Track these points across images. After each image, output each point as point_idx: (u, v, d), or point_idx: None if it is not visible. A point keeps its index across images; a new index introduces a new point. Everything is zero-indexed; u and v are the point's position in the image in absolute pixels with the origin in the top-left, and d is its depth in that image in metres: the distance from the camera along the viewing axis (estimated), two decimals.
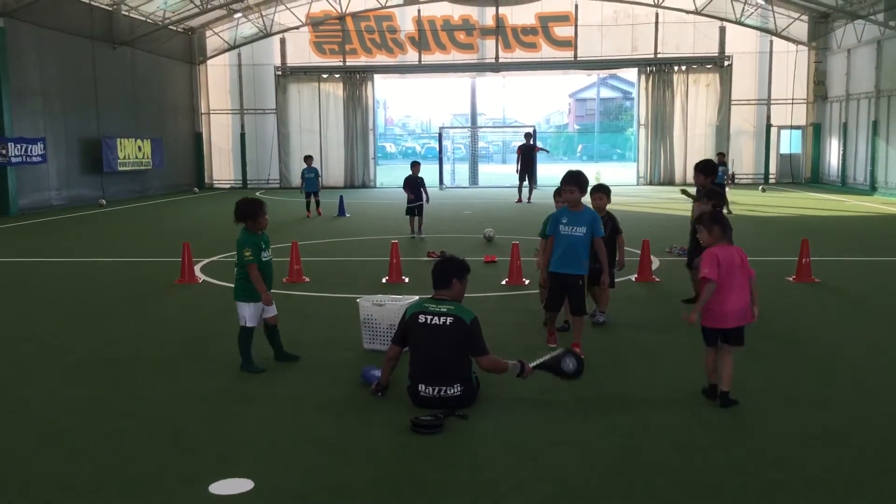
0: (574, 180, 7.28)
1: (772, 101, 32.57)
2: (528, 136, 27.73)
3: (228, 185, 34.47)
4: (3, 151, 20.97)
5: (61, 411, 5.94)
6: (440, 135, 36.60)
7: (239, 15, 31.77)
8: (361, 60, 33.44)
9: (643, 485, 4.55)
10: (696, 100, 32.75)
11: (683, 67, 32.46)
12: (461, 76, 35.74)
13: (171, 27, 30.41)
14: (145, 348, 7.79)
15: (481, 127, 43.70)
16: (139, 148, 28.35)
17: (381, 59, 33.45)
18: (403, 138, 77.00)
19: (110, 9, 27.08)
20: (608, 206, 8.66)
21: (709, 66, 32.42)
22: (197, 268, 12.20)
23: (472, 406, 5.76)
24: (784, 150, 33.31)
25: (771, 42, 32.01)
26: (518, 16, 32.63)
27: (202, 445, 5.20)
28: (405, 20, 33.07)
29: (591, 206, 7.69)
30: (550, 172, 30.11)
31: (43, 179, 23.73)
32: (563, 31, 32.63)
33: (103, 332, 8.53)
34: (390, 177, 37.38)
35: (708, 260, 5.72)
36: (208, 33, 33.37)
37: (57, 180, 24.49)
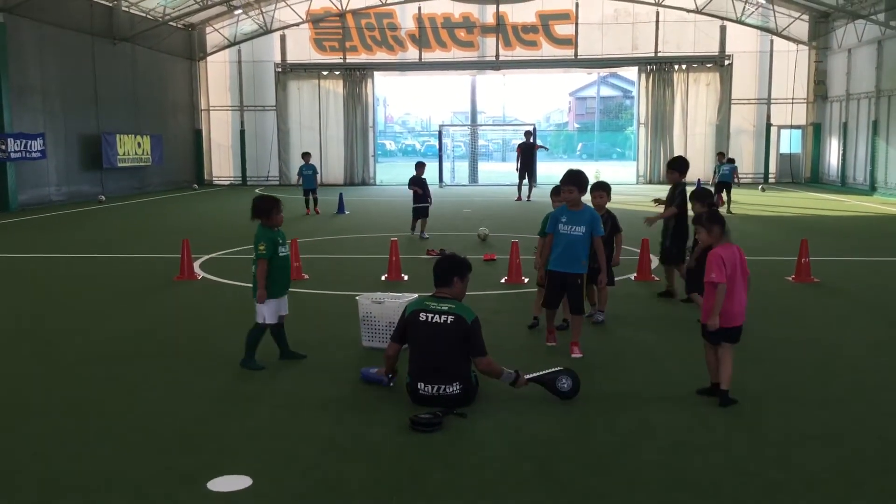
0: (573, 180, 7.28)
1: (772, 101, 32.56)
2: (528, 134, 27.72)
3: (228, 182, 34.44)
4: (3, 147, 20.95)
5: (59, 408, 5.94)
6: (440, 132, 36.59)
7: (239, 11, 31.73)
8: (362, 57, 33.42)
9: (643, 484, 4.55)
10: (696, 99, 32.75)
11: (684, 66, 32.45)
12: (461, 74, 35.73)
13: (171, 23, 30.38)
14: (144, 345, 7.79)
15: (481, 125, 43.73)
16: (139, 144, 28.34)
17: (381, 56, 33.43)
18: (403, 136, 76.95)
19: (110, 5, 27.05)
20: (608, 205, 8.66)
21: (709, 66, 32.41)
22: (196, 264, 12.20)
23: (471, 405, 5.76)
24: (784, 149, 33.31)
25: (771, 41, 32.01)
26: (518, 14, 32.61)
27: (201, 443, 5.20)
28: (406, 17, 33.05)
29: (590, 204, 7.69)
30: (550, 171, 30.10)
31: (42, 175, 23.71)
32: (563, 30, 32.62)
33: (102, 329, 8.52)
34: (390, 174, 37.39)
35: (716, 263, 5.74)
36: (208, 30, 33.34)
37: (56, 176, 24.48)
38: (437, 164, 33.66)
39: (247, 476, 4.62)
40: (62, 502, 4.39)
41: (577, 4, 32.17)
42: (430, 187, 16.21)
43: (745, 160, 33.10)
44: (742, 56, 32.20)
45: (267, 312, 6.85)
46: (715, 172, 23.03)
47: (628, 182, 32.83)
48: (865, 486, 4.55)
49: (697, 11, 31.29)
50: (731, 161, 22.69)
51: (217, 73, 34.00)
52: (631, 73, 35.76)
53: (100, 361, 7.20)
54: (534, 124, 36.01)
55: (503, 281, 10.90)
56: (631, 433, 5.34)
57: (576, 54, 32.70)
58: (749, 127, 33.04)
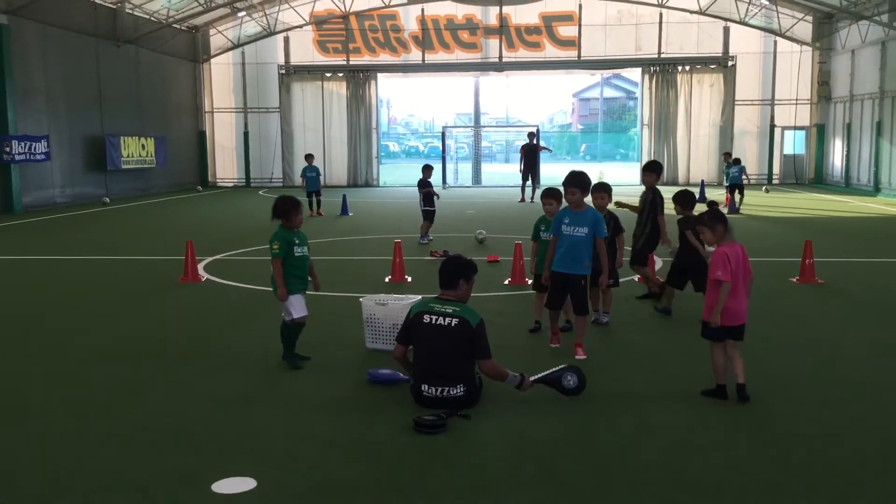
0: (576, 181, 7.30)
1: (775, 102, 32.54)
2: (531, 135, 27.73)
3: (232, 184, 34.49)
4: (7, 149, 21.00)
5: (62, 408, 5.96)
6: (443, 134, 36.63)
7: (243, 13, 31.79)
8: (365, 59, 33.45)
9: (645, 485, 4.56)
10: (699, 100, 32.71)
11: (687, 67, 32.43)
12: (465, 75, 35.76)
13: (174, 25, 30.44)
14: (147, 346, 7.81)
15: (484, 126, 43.76)
16: (143, 146, 28.39)
17: (384, 58, 33.45)
18: (407, 137, 76.94)
19: (114, 7, 27.11)
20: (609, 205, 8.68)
21: (712, 67, 32.38)
22: (200, 266, 12.23)
23: (474, 406, 5.77)
24: (788, 150, 33.26)
25: (775, 42, 31.97)
26: (522, 15, 32.62)
27: (205, 444, 5.22)
28: (409, 19, 33.07)
29: (590, 205, 7.71)
30: (554, 172, 30.09)
31: (47, 177, 23.75)
32: (566, 31, 32.61)
33: (105, 330, 8.55)
34: (393, 176, 37.41)
35: (721, 262, 5.82)
36: (212, 32, 33.40)
37: (61, 178, 24.53)
38: (441, 165, 33.68)
39: (251, 478, 4.63)
40: (65, 501, 4.41)
41: (580, 6, 32.17)
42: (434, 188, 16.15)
43: (749, 161, 32.98)
44: (745, 57, 32.17)
45: (294, 308, 6.88)
46: (726, 175, 22.88)
47: (632, 183, 32.77)
48: (866, 486, 4.56)
49: (701, 12, 31.27)
50: (738, 162, 22.63)
51: (221, 75, 34.05)
52: (634, 74, 35.74)
53: (103, 362, 7.23)
54: (537, 126, 35.96)
55: (507, 283, 10.91)
56: (633, 434, 5.36)
57: (579, 55, 32.70)
58: (753, 128, 33.00)
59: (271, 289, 7.00)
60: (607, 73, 49.31)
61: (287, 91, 33.70)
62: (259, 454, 5.03)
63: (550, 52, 32.87)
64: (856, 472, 4.74)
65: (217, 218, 21.37)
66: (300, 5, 32.24)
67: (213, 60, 33.87)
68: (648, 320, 8.85)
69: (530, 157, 26.19)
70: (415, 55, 33.35)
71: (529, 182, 25.68)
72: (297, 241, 6.90)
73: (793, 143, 33.19)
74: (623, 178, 33.52)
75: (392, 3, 32.48)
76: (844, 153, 30.23)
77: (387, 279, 11.20)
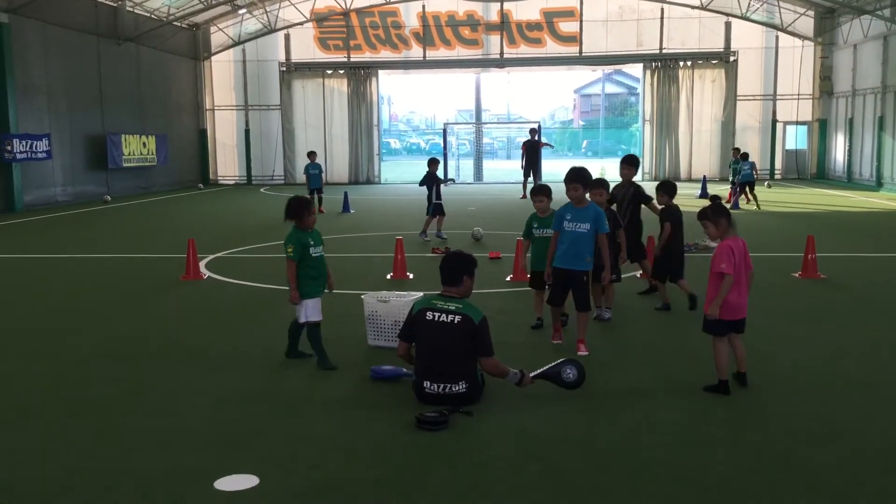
0: (578, 177, 7.32)
1: (777, 97, 32.49)
2: (532, 132, 27.69)
3: (233, 182, 34.48)
4: (9, 148, 21.00)
5: (65, 408, 5.96)
6: (444, 131, 36.61)
7: (243, 11, 31.75)
8: (366, 56, 33.42)
9: (647, 482, 4.54)
10: (701, 95, 32.66)
11: (689, 63, 32.38)
12: (466, 72, 35.71)
13: (175, 23, 30.42)
14: (150, 345, 7.81)
15: (486, 123, 43.71)
16: (144, 144, 28.39)
17: (385, 54, 33.42)
18: (408, 134, 76.98)
19: (115, 5, 27.09)
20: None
21: (714, 62, 32.33)
22: (202, 264, 12.22)
23: (476, 403, 5.76)
24: (790, 145, 33.23)
25: (777, 37, 31.92)
26: (523, 11, 32.58)
27: (207, 442, 5.21)
28: (410, 16, 33.04)
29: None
30: (555, 168, 30.07)
31: (48, 176, 23.76)
32: (567, 27, 32.56)
33: (108, 329, 8.54)
34: (395, 173, 37.39)
35: (726, 255, 5.88)
36: (213, 29, 33.37)
37: (62, 176, 24.54)
38: (443, 162, 33.64)
39: (253, 475, 4.62)
40: (67, 500, 4.40)
41: (581, 1, 32.13)
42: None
43: (751, 156, 32.97)
44: (747, 52, 32.12)
45: (309, 310, 6.85)
46: (733, 170, 22.55)
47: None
48: (868, 483, 4.54)
49: (702, 8, 31.20)
50: (746, 157, 22.39)
51: (221, 72, 34.03)
52: (636, 69, 35.69)
53: (104, 361, 7.22)
54: (539, 122, 36.00)
55: (508, 279, 10.90)
56: (635, 430, 5.34)
57: (580, 51, 32.66)
58: (755, 123, 32.95)
59: (287, 289, 6.98)
60: (609, 68, 49.28)
61: (288, 88, 33.68)
62: (261, 452, 5.01)
63: (551, 48, 32.83)
64: (858, 469, 4.72)
65: (218, 216, 21.36)
66: (301, 2, 32.22)
67: (213, 58, 33.86)
68: (650, 316, 8.84)
69: (532, 153, 26.15)
70: (416, 52, 33.32)
71: (531, 178, 25.64)
72: (311, 242, 6.87)
73: (795, 139, 33.15)
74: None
75: (393, 0, 32.43)
76: (846, 148, 30.19)
77: (388, 276, 11.19)
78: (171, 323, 8.81)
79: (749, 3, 30.72)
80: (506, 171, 37.95)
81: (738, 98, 32.32)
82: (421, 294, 7.06)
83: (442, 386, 5.69)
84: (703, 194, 24.08)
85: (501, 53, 32.92)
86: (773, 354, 7.14)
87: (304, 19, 32.81)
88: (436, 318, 5.79)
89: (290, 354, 7.13)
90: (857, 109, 29.38)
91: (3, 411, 5.90)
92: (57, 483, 4.61)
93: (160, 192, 29.57)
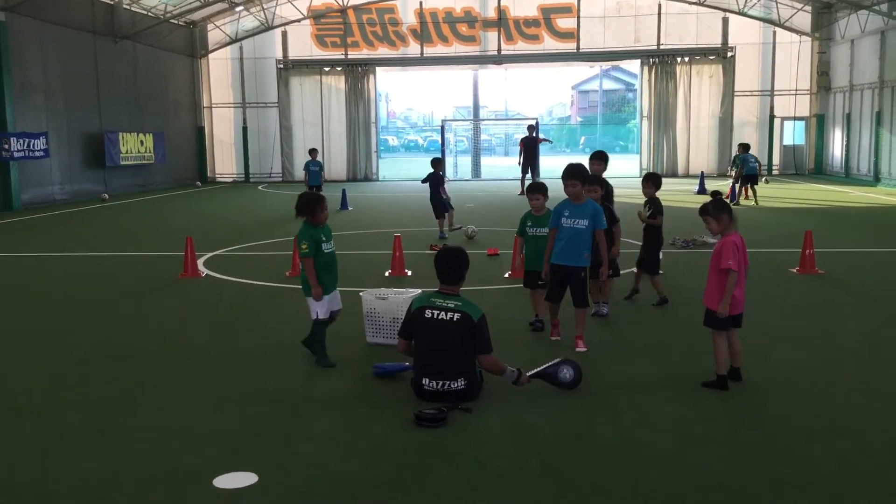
0: (576, 174, 7.33)
1: (775, 92, 32.47)
2: (531, 128, 27.69)
3: (231, 179, 34.45)
4: (6, 146, 20.97)
5: (64, 407, 5.96)
6: (442, 127, 36.58)
7: (240, 8, 31.71)
8: (363, 53, 33.37)
9: (647, 479, 4.55)
10: (699, 91, 32.65)
11: (686, 59, 32.36)
12: (463, 69, 35.67)
13: (172, 21, 30.37)
14: (149, 343, 7.80)
15: (484, 119, 43.67)
16: (141, 142, 28.35)
17: (383, 51, 33.37)
18: (406, 131, 76.96)
19: (112, 2, 27.04)
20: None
21: (712, 58, 32.31)
22: (200, 262, 12.22)
23: (475, 400, 5.76)
24: (787, 141, 33.22)
25: (774, 33, 31.90)
26: (520, 7, 32.54)
27: (206, 440, 5.21)
28: (407, 12, 32.99)
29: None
30: (553, 165, 30.05)
31: (46, 174, 23.74)
32: (565, 23, 32.54)
33: (106, 327, 8.54)
34: (393, 170, 37.35)
35: (731, 251, 5.93)
36: (210, 27, 33.31)
37: (60, 175, 24.51)
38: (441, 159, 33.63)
39: (252, 473, 4.63)
40: (67, 499, 4.40)
41: None
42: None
43: (752, 153, 33.03)
44: (745, 48, 32.10)
45: (319, 308, 6.85)
46: (736, 164, 22.09)
47: (632, 175, 32.75)
48: (870, 479, 4.54)
49: (699, 3, 31.18)
50: (748, 148, 22.23)
51: (219, 70, 33.98)
52: (633, 66, 35.69)
53: (103, 359, 7.22)
54: (536, 118, 36.01)
55: (507, 276, 10.90)
56: (634, 427, 5.34)
57: (578, 48, 32.63)
58: (752, 119, 32.94)
59: (300, 287, 6.97)
60: (606, 65, 49.35)
61: (285, 86, 33.63)
62: (260, 450, 5.02)
63: (549, 44, 32.80)
64: (860, 465, 4.73)
65: (216, 213, 21.35)
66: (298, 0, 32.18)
67: (210, 56, 33.81)
68: (648, 311, 8.84)
69: (530, 149, 26.14)
70: (413, 49, 33.28)
71: (529, 175, 25.64)
72: (323, 238, 6.88)
73: (792, 134, 33.15)
74: (623, 170, 33.52)
75: None
76: (844, 143, 30.20)
77: (387, 273, 11.20)
78: (170, 321, 8.81)
79: None
80: (504, 167, 37.93)
81: (735, 94, 32.31)
82: (419, 291, 7.07)
83: (441, 383, 5.70)
84: (701, 190, 24.10)
85: (499, 50, 32.89)
86: (772, 351, 7.15)
87: (302, 16, 32.76)
88: (435, 316, 5.79)
89: (305, 342, 7.10)
90: (854, 104, 29.39)
91: (3, 411, 5.90)
92: (57, 482, 4.61)
93: (158, 190, 29.54)
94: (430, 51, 33.21)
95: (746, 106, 32.72)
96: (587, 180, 7.58)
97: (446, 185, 15.67)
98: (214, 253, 13.46)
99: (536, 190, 8.19)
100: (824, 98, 31.95)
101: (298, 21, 32.91)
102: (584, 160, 8.79)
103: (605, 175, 9.16)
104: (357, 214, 20.19)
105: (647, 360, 6.92)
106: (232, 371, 6.77)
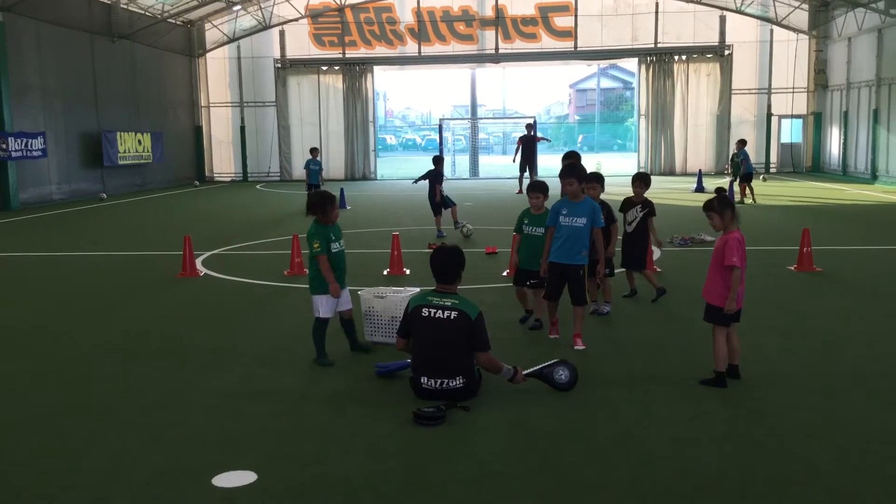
0: (573, 172, 7.35)
1: (772, 91, 32.48)
2: (529, 126, 27.68)
3: (229, 179, 34.44)
4: (4, 146, 20.95)
5: (64, 405, 5.96)
6: (440, 126, 36.57)
7: (238, 7, 31.68)
8: (361, 52, 33.36)
9: (646, 477, 4.56)
10: (696, 89, 32.67)
11: (684, 57, 32.36)
12: (461, 67, 35.64)
13: (169, 20, 30.34)
14: (147, 342, 7.81)
15: (481, 118, 43.63)
16: (139, 141, 28.33)
17: (380, 50, 33.36)
18: (404, 130, 76.92)
19: (109, 2, 27.02)
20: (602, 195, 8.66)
21: (709, 56, 32.33)
22: (198, 261, 12.22)
23: (474, 398, 5.78)
24: (785, 139, 33.24)
25: (771, 31, 31.91)
26: (518, 6, 32.54)
27: (205, 439, 5.22)
28: (404, 11, 32.98)
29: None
30: (552, 164, 30.04)
31: (43, 174, 23.73)
32: (562, 22, 32.54)
33: (105, 327, 8.54)
34: (391, 169, 37.31)
35: (736, 248, 5.98)
36: (207, 26, 33.29)
37: (57, 174, 24.49)
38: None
39: (251, 471, 4.64)
40: (67, 498, 4.41)
41: None
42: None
43: (748, 150, 33.02)
44: (742, 46, 32.12)
45: (322, 307, 6.86)
46: (735, 162, 21.82)
47: (630, 174, 32.72)
48: (868, 475, 4.56)
49: (697, 2, 31.20)
50: (744, 143, 22.17)
51: (216, 69, 33.95)
52: (631, 64, 35.69)
53: (102, 359, 7.22)
54: (534, 117, 36.02)
55: (505, 274, 10.91)
56: (634, 425, 5.36)
57: (575, 46, 32.63)
58: (750, 117, 32.97)
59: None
60: (604, 63, 49.26)
61: (283, 85, 33.61)
62: (259, 448, 5.03)
63: (547, 42, 32.81)
64: (858, 462, 4.74)
65: (215, 213, 21.34)
66: None
67: (208, 55, 33.78)
68: (646, 309, 8.85)
69: (528, 148, 26.15)
70: (411, 47, 33.27)
71: (527, 174, 25.64)
72: (333, 237, 6.90)
73: (790, 132, 33.17)
74: (621, 169, 33.55)
75: None
76: (841, 141, 30.23)
77: (385, 272, 11.20)
78: (169, 320, 8.81)
79: None
80: (502, 166, 37.90)
81: (733, 92, 32.34)
82: (418, 289, 7.08)
83: (439, 381, 5.71)
84: (699, 188, 24.10)
85: (497, 49, 32.88)
86: (770, 348, 7.16)
87: (299, 15, 32.74)
88: (431, 315, 5.80)
89: (353, 349, 7.14)
90: (851, 102, 29.41)
91: (2, 411, 5.90)
92: (56, 481, 4.62)
93: (156, 189, 29.52)
94: (427, 50, 33.21)
95: (744, 104, 32.75)
96: (585, 178, 7.59)
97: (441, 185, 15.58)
98: (213, 252, 13.47)
99: (537, 188, 8.16)
100: (822, 96, 31.98)
101: (296, 20, 32.89)
102: (583, 158, 8.81)
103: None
104: (355, 213, 20.18)
105: (646, 358, 6.94)
106: (230, 370, 6.78)
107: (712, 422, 5.40)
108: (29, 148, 22.02)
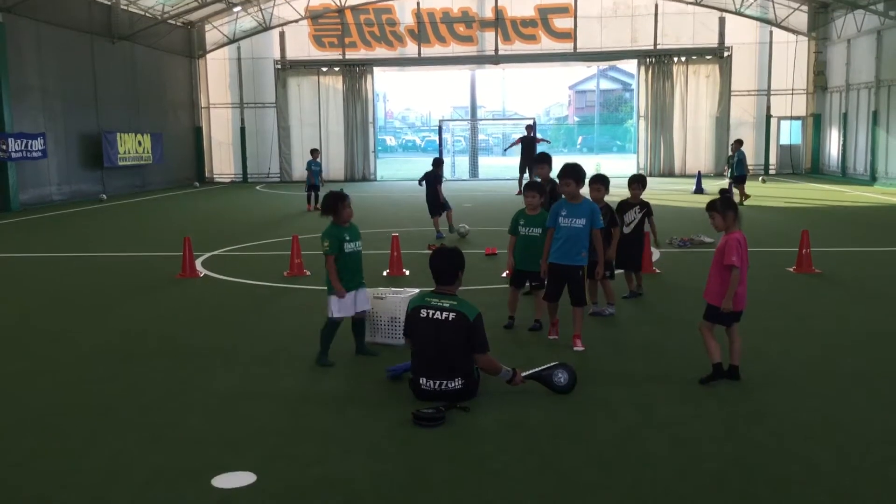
0: (571, 173, 7.33)
1: (772, 92, 32.50)
2: (528, 128, 27.69)
3: (229, 180, 34.44)
4: (4, 147, 20.95)
5: (63, 405, 5.96)
6: (440, 127, 36.60)
7: (238, 8, 31.70)
8: (361, 53, 33.38)
9: (646, 478, 4.56)
10: (696, 91, 32.69)
11: (683, 58, 32.40)
12: (461, 69, 35.68)
13: (170, 21, 30.36)
14: (147, 343, 7.81)
15: (481, 119, 43.66)
16: (139, 142, 28.34)
17: (380, 52, 33.38)
18: (403, 131, 76.99)
19: (109, 3, 27.03)
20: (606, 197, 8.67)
21: (708, 57, 32.36)
22: (198, 262, 12.22)
23: (473, 399, 5.78)
24: (784, 140, 33.25)
25: (771, 32, 31.94)
26: (517, 8, 32.57)
27: (205, 439, 5.22)
28: (404, 13, 33.01)
29: (588, 197, 7.72)
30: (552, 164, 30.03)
31: (43, 175, 23.72)
32: (562, 23, 32.57)
33: (105, 327, 8.54)
34: (390, 170, 37.31)
35: (736, 248, 5.99)
36: (207, 27, 33.31)
37: (57, 175, 24.49)
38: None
39: (251, 472, 4.64)
40: (66, 498, 4.41)
41: None
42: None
43: (746, 152, 32.92)
44: (741, 47, 32.14)
45: (334, 307, 6.85)
46: (733, 163, 21.66)
47: (629, 175, 32.74)
48: (868, 476, 4.56)
49: (696, 3, 31.21)
50: (741, 143, 22.16)
51: (217, 70, 33.96)
52: (630, 65, 35.73)
53: (101, 359, 7.22)
54: (534, 118, 36.07)
55: (504, 275, 10.91)
56: (634, 426, 5.36)
57: (575, 48, 32.66)
58: (749, 118, 32.99)
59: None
60: (603, 65, 49.34)
61: (283, 86, 33.63)
62: (259, 449, 5.03)
63: (546, 44, 32.83)
64: (859, 463, 4.74)
65: (214, 214, 21.34)
66: (295, 0, 32.17)
67: (208, 56, 33.79)
68: (647, 311, 8.86)
69: (528, 149, 26.16)
70: (411, 49, 33.29)
71: (527, 175, 25.65)
72: (347, 238, 6.90)
73: (789, 133, 33.18)
74: (620, 170, 33.55)
75: None
76: (841, 143, 30.24)
77: (385, 273, 11.21)
78: (168, 321, 8.81)
79: None
80: (502, 167, 37.93)
81: (732, 93, 32.36)
82: (417, 291, 7.08)
83: (438, 382, 5.71)
84: (699, 190, 24.11)
85: (496, 50, 32.91)
86: (770, 349, 7.16)
87: (299, 17, 32.76)
88: (430, 316, 5.81)
89: (357, 351, 7.11)
90: (851, 104, 29.43)
91: (2, 411, 5.90)
92: (55, 481, 4.62)
93: (156, 190, 29.52)
94: (427, 51, 33.23)
95: (743, 105, 32.77)
96: (583, 179, 7.59)
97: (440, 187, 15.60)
98: (212, 253, 13.47)
99: (533, 188, 8.16)
100: (821, 98, 32.00)
101: (296, 21, 32.91)
102: (582, 160, 8.83)
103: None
104: (355, 214, 20.09)
105: (646, 359, 6.94)
106: (230, 371, 6.78)
107: (712, 422, 5.40)
108: (29, 149, 22.02)
